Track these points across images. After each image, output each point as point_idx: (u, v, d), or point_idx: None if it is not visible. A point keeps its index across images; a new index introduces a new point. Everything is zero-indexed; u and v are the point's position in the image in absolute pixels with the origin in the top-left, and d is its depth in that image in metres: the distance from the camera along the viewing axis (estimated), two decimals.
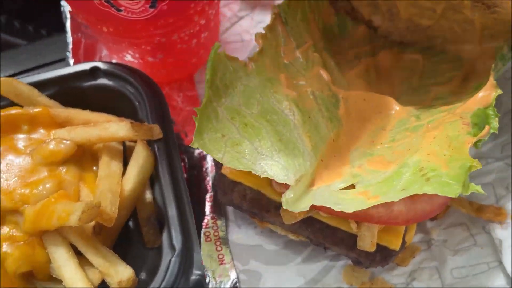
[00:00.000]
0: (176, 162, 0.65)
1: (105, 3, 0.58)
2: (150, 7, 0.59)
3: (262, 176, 0.53)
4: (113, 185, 0.61)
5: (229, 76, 0.60)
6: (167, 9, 0.61)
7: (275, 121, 0.58)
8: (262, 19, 0.88)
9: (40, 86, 0.70)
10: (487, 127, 0.53)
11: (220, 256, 0.68)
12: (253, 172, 0.53)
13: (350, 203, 0.51)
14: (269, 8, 0.89)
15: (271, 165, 0.54)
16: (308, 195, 0.54)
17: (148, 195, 0.67)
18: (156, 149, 0.65)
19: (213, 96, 0.58)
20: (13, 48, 0.88)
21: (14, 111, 0.66)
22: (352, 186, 0.55)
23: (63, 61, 0.85)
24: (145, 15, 0.61)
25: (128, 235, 0.68)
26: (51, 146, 0.63)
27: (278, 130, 0.57)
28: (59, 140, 0.64)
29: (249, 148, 0.55)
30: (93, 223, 0.60)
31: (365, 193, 0.52)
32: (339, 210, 0.50)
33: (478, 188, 0.48)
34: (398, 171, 0.53)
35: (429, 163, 0.52)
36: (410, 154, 0.55)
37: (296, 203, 0.52)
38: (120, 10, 0.60)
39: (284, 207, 0.53)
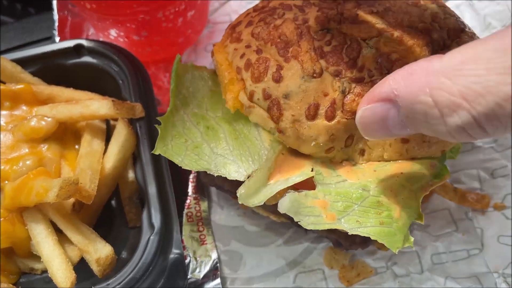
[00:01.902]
0: None
1: None
2: None
3: (216, 174, 0.55)
4: (94, 163, 0.61)
5: (196, 84, 0.62)
6: None
7: (237, 121, 0.58)
8: (251, 1, 0.87)
9: (23, 62, 0.69)
10: (446, 175, 0.55)
11: (202, 237, 0.68)
12: (208, 172, 0.55)
13: (306, 212, 0.51)
14: None
15: (224, 163, 0.56)
16: (265, 188, 0.54)
17: (131, 174, 0.67)
18: (138, 128, 0.65)
19: (181, 104, 0.60)
20: (1, 25, 0.87)
21: None
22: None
23: (49, 39, 0.84)
24: None
25: (111, 215, 0.69)
26: (32, 123, 0.63)
27: (237, 129, 0.58)
28: (41, 117, 0.63)
29: (207, 149, 0.57)
30: (72, 200, 0.60)
31: (323, 205, 0.52)
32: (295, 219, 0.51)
33: (411, 244, 0.50)
34: (359, 193, 0.53)
35: (387, 201, 0.52)
36: (376, 177, 0.54)
37: (250, 198, 0.53)
38: None
39: (239, 201, 0.53)
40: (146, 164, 0.62)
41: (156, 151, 0.55)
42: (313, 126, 0.52)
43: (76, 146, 0.67)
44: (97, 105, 0.63)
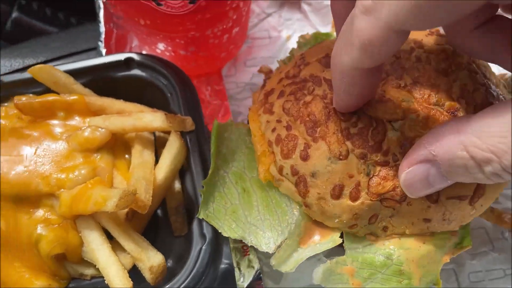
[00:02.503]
0: (207, 154, 0.66)
1: None
2: (190, 2, 0.61)
3: (249, 244, 0.59)
4: (147, 174, 0.63)
5: (235, 141, 0.66)
6: (205, 5, 0.63)
7: (269, 185, 0.61)
8: (289, 17, 0.90)
9: (75, 74, 0.71)
10: (468, 246, 0.58)
11: (245, 248, 0.70)
12: (243, 241, 0.60)
13: (335, 280, 0.57)
14: (297, 7, 0.90)
15: (256, 233, 0.60)
16: (296, 253, 0.58)
17: (177, 185, 0.69)
18: (188, 141, 0.67)
19: (221, 163, 0.64)
20: (46, 35, 0.89)
21: (51, 97, 0.67)
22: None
23: (94, 50, 0.87)
24: (183, 10, 0.62)
25: (156, 223, 0.71)
26: (86, 133, 0.65)
27: (270, 194, 0.62)
28: (95, 128, 0.65)
29: (243, 216, 0.61)
30: (126, 209, 0.62)
31: (351, 272, 0.56)
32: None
33: None
34: (383, 261, 0.56)
35: (408, 271, 0.55)
36: (400, 245, 0.57)
37: (282, 265, 0.57)
38: (160, 5, 0.61)
39: (273, 268, 0.58)
40: (197, 176, 0.64)
41: (200, 215, 0.60)
42: (337, 205, 0.55)
43: (126, 156, 0.69)
44: (150, 118, 0.65)
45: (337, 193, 0.54)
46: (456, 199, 0.54)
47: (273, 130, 0.60)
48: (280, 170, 0.58)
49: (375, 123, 0.54)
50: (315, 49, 0.66)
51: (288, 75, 0.64)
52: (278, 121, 0.59)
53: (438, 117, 0.54)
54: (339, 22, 0.51)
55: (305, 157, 0.55)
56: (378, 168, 0.53)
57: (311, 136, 0.55)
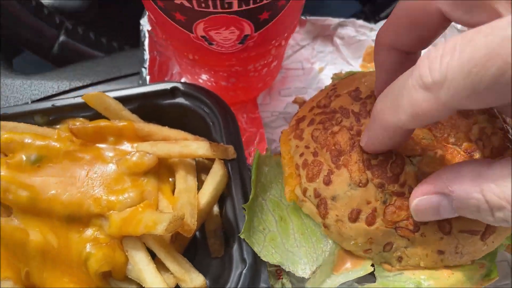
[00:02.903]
0: (247, 182, 0.71)
1: (200, 38, 0.64)
2: (239, 43, 0.66)
3: (287, 270, 0.63)
4: (191, 198, 0.68)
5: (273, 171, 0.71)
6: (252, 45, 0.67)
7: (305, 214, 0.66)
8: (322, 49, 0.94)
9: (124, 100, 0.76)
10: (494, 277, 0.62)
11: (278, 272, 0.74)
12: (281, 267, 0.63)
13: None
14: (330, 40, 0.95)
15: (293, 260, 0.64)
16: (330, 279, 0.62)
17: (216, 209, 0.73)
18: (229, 168, 0.71)
19: (260, 191, 0.69)
20: (91, 58, 0.95)
21: (103, 123, 0.72)
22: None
23: (137, 75, 0.92)
24: (232, 49, 0.67)
25: (194, 244, 0.75)
26: (135, 158, 0.70)
27: (305, 222, 0.66)
28: (143, 153, 0.70)
29: (281, 243, 0.65)
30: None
31: None
32: None
33: None
34: None
35: None
36: (429, 275, 0.60)
37: None
38: (212, 44, 0.66)
39: None
40: (238, 203, 0.68)
41: (242, 235, 0.64)
42: (353, 227, 0.59)
43: (170, 179, 0.73)
44: (195, 146, 0.70)
45: (354, 216, 0.59)
46: (468, 233, 0.58)
47: (301, 155, 0.64)
48: (304, 191, 0.62)
49: (394, 157, 0.58)
50: (347, 81, 0.70)
51: (320, 104, 0.68)
52: (306, 147, 0.64)
53: (455, 156, 0.58)
54: (382, 72, 0.56)
55: (327, 182, 0.60)
56: (394, 198, 0.57)
57: (335, 163, 0.60)
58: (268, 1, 0.58)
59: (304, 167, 0.63)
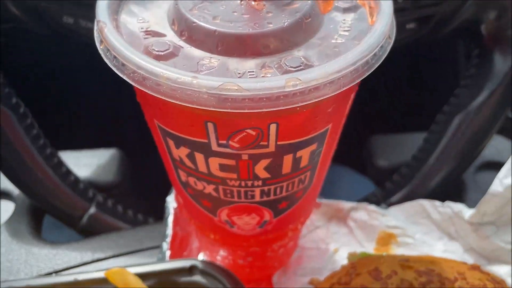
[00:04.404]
0: None
1: (223, 221, 0.70)
2: (259, 227, 0.71)
3: None
4: None
5: None
6: (270, 229, 0.72)
7: None
8: (336, 231, 0.98)
9: (143, 276, 0.78)
10: None
11: None
12: None
13: None
14: (344, 222, 1.00)
15: None
16: None
17: None
18: None
19: None
20: (116, 230, 1.00)
21: None
22: None
23: (157, 248, 0.95)
24: (252, 232, 0.72)
25: None
26: None
27: None
28: None
29: None
30: None
31: None
32: None
33: None
34: None
35: None
36: None
37: None
38: (233, 227, 0.71)
39: None
40: None
41: None
42: None
43: None
44: None
45: None
46: None
47: None
48: None
49: None
50: (365, 261, 0.73)
51: (340, 281, 0.70)
52: None
53: None
54: None
55: None
56: None
57: None
58: (287, 193, 0.64)
59: None
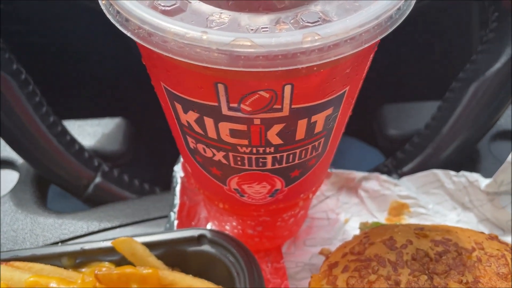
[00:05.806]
0: None
1: (233, 190, 0.67)
2: (270, 196, 0.68)
3: None
4: None
5: None
6: (282, 198, 0.70)
7: None
8: (347, 201, 0.96)
9: (151, 245, 0.77)
10: None
11: None
12: None
13: None
14: (354, 192, 0.97)
15: None
16: None
17: None
18: None
19: None
20: (123, 200, 0.98)
21: (128, 270, 0.72)
22: None
23: (165, 218, 0.94)
24: (262, 201, 0.69)
25: None
26: None
27: None
28: None
29: None
30: None
31: None
32: None
33: None
34: None
35: None
36: None
37: None
38: (243, 196, 0.68)
39: None
40: None
41: None
42: None
43: None
44: None
45: None
46: None
47: None
48: None
49: None
50: (379, 230, 0.71)
51: (353, 251, 0.68)
52: None
53: None
54: None
55: None
56: None
57: None
58: (299, 161, 0.61)
59: None
